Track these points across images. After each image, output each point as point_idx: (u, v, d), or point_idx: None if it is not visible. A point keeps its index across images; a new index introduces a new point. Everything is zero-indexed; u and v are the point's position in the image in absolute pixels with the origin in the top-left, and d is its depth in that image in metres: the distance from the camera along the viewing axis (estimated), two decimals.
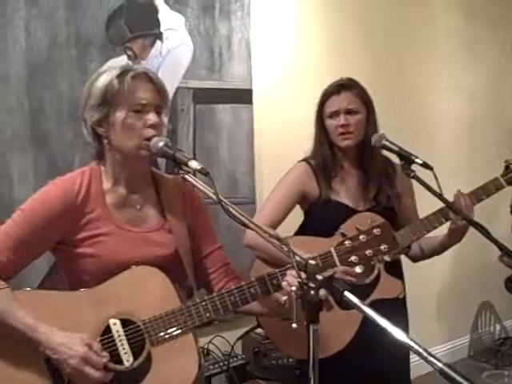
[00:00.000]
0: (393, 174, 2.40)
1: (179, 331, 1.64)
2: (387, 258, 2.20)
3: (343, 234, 1.72)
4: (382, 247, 1.69)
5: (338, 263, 1.70)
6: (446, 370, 1.13)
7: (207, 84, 3.08)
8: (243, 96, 3.21)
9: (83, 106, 1.70)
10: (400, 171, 2.37)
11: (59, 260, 1.75)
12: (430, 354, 1.17)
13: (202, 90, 3.06)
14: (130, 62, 2.81)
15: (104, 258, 1.67)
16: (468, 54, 4.42)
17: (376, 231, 1.69)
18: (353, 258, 1.69)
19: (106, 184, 1.74)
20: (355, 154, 2.37)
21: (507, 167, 2.23)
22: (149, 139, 1.66)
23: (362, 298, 2.15)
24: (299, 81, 3.44)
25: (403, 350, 2.29)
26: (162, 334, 1.64)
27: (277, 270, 1.67)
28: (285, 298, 1.66)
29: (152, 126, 1.66)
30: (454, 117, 4.35)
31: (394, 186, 2.37)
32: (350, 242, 1.69)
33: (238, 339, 2.97)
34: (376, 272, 2.27)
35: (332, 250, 1.71)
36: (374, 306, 2.14)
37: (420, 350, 1.20)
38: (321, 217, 2.29)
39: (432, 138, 4.14)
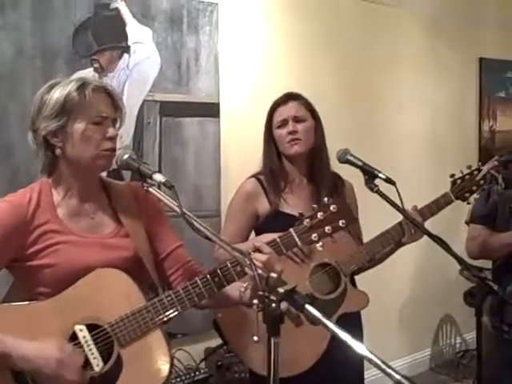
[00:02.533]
0: (342, 189, 2.44)
1: (147, 329, 1.64)
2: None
3: (301, 214, 1.73)
4: (340, 223, 1.70)
5: (299, 243, 1.71)
6: (404, 381, 1.16)
7: (174, 97, 3.09)
8: (210, 109, 3.23)
9: (35, 117, 1.70)
10: (349, 187, 2.45)
11: (17, 278, 1.74)
12: (388, 366, 1.20)
13: (168, 103, 3.07)
14: (97, 75, 2.81)
15: (62, 266, 1.66)
16: (432, 71, 4.52)
17: (332, 207, 1.70)
18: (313, 236, 1.70)
19: (57, 196, 1.74)
20: (305, 166, 2.41)
21: (454, 182, 2.30)
22: (106, 150, 1.69)
23: (331, 312, 2.22)
24: (266, 95, 3.42)
25: (358, 364, 2.31)
26: (129, 334, 1.63)
27: (239, 255, 1.61)
28: (245, 284, 1.69)
29: (110, 139, 1.70)
30: (418, 132, 4.44)
31: (344, 199, 2.40)
32: (308, 220, 1.70)
33: (202, 360, 2.95)
34: (343, 285, 2.30)
35: (291, 230, 1.72)
36: (340, 320, 2.21)
37: (378, 362, 1.22)
38: (271, 230, 2.12)
39: (395, 152, 4.21)
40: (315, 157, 2.39)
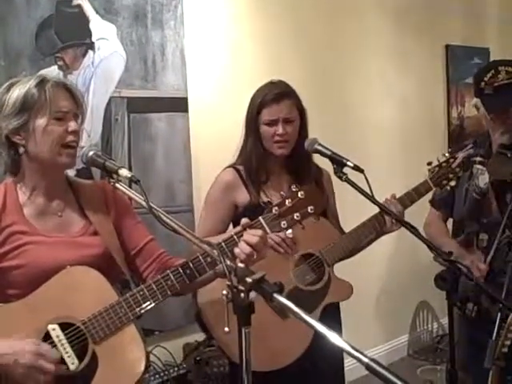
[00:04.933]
0: (321, 178, 2.42)
1: (120, 324, 1.64)
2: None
3: (269, 202, 1.73)
4: (309, 209, 1.70)
5: (268, 231, 1.71)
6: (372, 364, 1.16)
7: (141, 93, 3.07)
8: (178, 104, 3.21)
9: None
10: (326, 174, 2.45)
11: None
12: (356, 350, 1.20)
13: (136, 99, 3.04)
14: (62, 73, 2.78)
15: (31, 267, 1.65)
16: (399, 59, 4.55)
17: (300, 194, 1.70)
18: (282, 224, 1.70)
19: (22, 197, 1.74)
20: (286, 160, 2.37)
21: (432, 170, 2.32)
22: (69, 145, 1.69)
23: (317, 303, 2.22)
24: (234, 88, 3.47)
25: (337, 355, 2.31)
26: (103, 330, 1.63)
27: (206, 248, 1.62)
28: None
29: (73, 133, 1.70)
30: (387, 122, 4.47)
31: (324, 189, 2.40)
32: (276, 208, 1.70)
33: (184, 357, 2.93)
34: (327, 276, 2.29)
35: (260, 218, 1.72)
36: (325, 310, 2.21)
37: (348, 348, 1.23)
38: None
39: (365, 142, 4.23)
40: (299, 154, 2.34)
